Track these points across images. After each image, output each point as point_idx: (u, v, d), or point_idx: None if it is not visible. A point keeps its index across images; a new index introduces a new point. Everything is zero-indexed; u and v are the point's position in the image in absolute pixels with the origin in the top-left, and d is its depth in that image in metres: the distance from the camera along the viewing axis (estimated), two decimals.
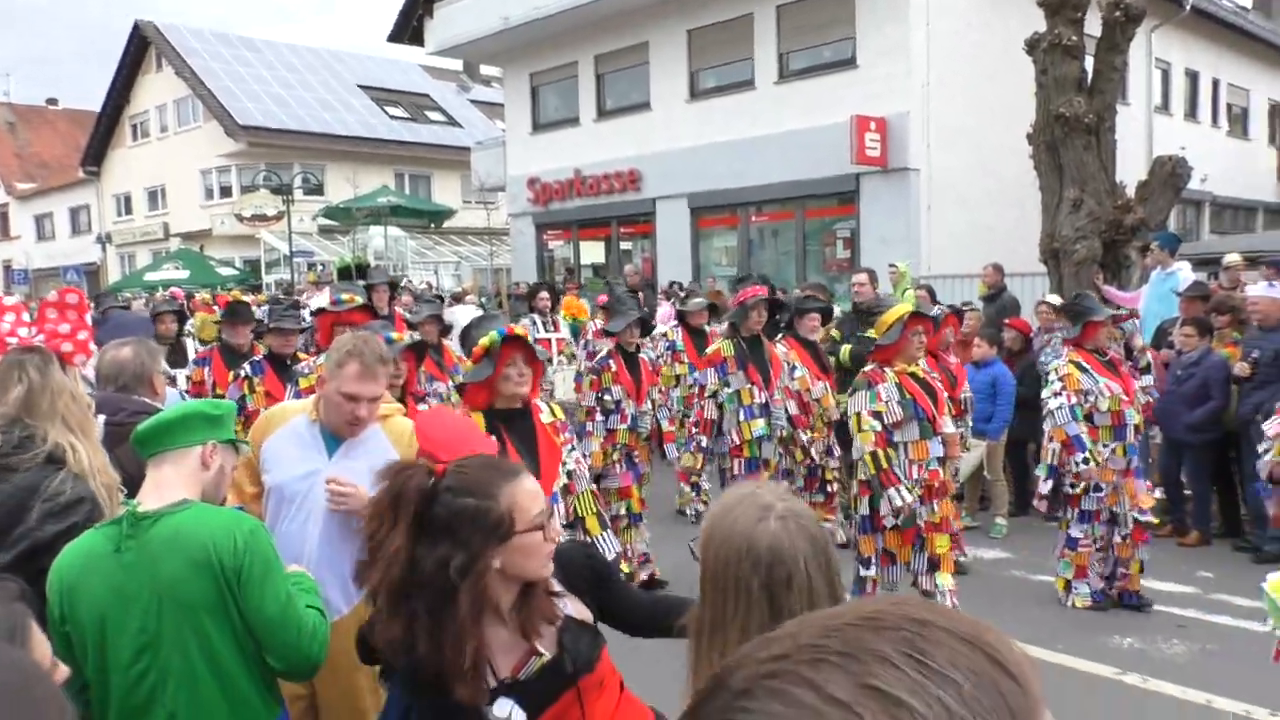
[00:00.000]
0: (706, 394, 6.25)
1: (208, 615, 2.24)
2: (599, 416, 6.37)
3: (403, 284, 8.20)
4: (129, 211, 35.00)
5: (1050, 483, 6.04)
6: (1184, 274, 9.69)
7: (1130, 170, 9.82)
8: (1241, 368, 7.29)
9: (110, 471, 2.68)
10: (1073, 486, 5.93)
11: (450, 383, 6.76)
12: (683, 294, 10.35)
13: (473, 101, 35.63)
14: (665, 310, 10.58)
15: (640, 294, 10.95)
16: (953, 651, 0.49)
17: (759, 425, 6.10)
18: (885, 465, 5.00)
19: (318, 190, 28.39)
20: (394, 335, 4.34)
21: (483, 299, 17.47)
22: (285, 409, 3.24)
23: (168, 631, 2.23)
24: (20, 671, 0.88)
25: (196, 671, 2.25)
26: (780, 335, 7.06)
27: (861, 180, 15.07)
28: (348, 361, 3.00)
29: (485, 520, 1.91)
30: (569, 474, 3.96)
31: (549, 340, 9.71)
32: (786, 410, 6.36)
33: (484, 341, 3.74)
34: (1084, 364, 6.05)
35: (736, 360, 6.19)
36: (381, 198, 22.06)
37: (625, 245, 19.78)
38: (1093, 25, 10.05)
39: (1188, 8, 18.43)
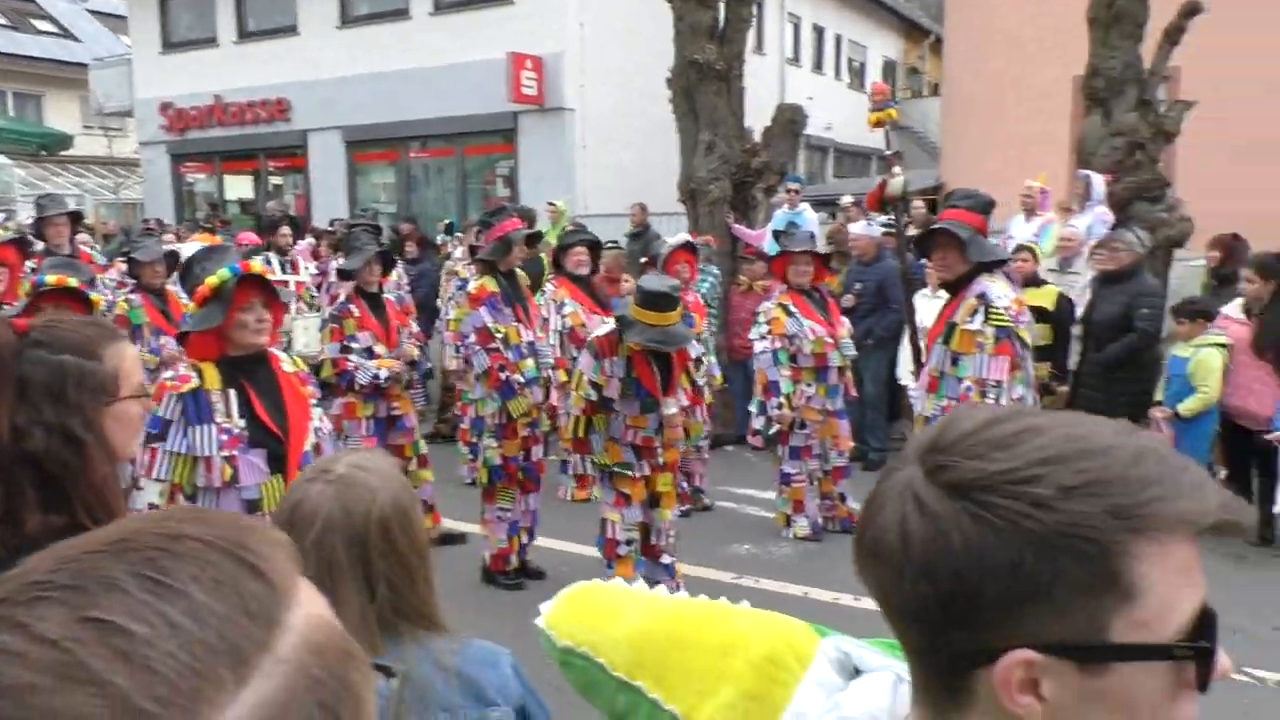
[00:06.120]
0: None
1: None
2: (349, 366, 5.84)
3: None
4: None
5: (762, 418, 6.30)
6: (808, 214, 10.73)
7: (765, 117, 10.62)
8: (848, 299, 8.20)
9: None
10: (767, 426, 6.22)
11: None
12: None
13: (90, 12, 31.45)
14: (304, 246, 10.03)
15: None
16: (198, 563, 0.49)
17: (529, 366, 5.62)
18: (581, 435, 4.95)
19: None
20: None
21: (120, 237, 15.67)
22: None
23: None
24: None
25: None
26: (550, 274, 6.81)
27: (520, 118, 15.12)
28: None
29: (92, 379, 1.69)
30: (315, 431, 3.46)
31: (286, 283, 8.73)
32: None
33: (212, 280, 3.15)
34: (792, 307, 6.23)
35: (503, 297, 5.63)
36: None
37: (276, 180, 18.55)
38: None
39: None
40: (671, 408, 4.86)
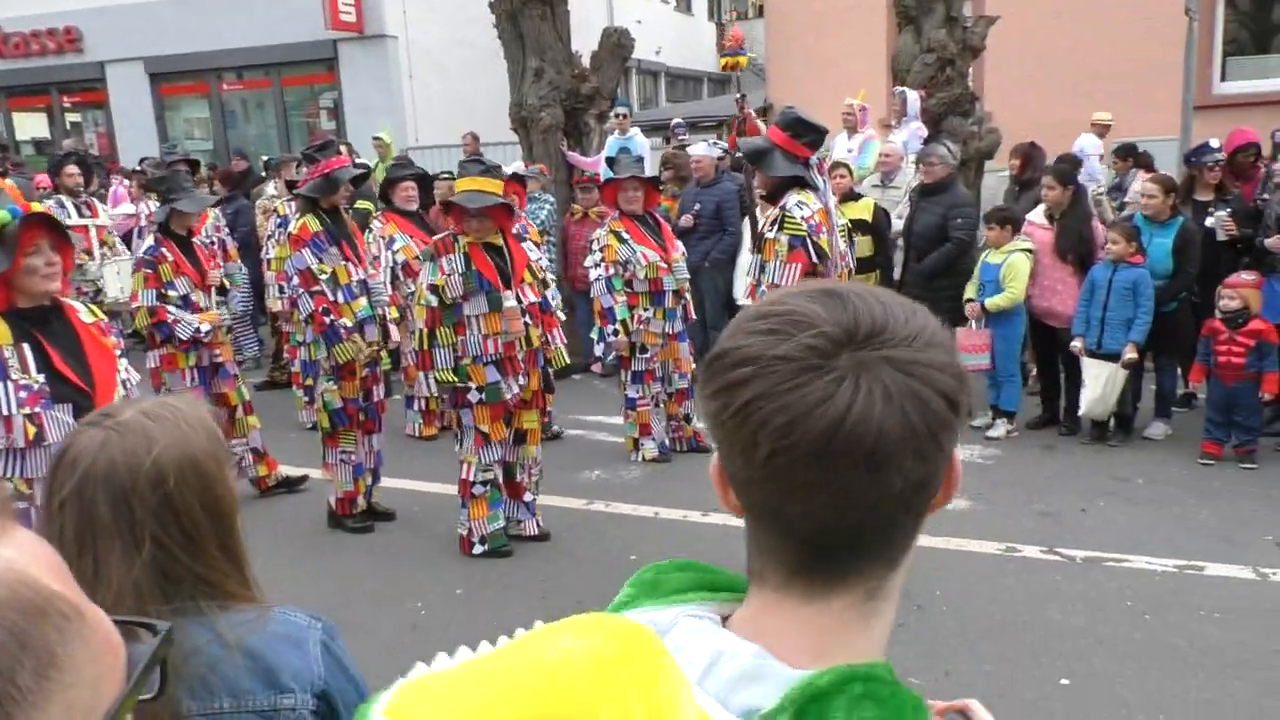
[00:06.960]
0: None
1: None
2: (168, 317, 5.54)
3: None
4: None
5: (603, 345, 6.35)
6: (639, 139, 10.71)
7: (595, 43, 10.45)
8: (687, 219, 8.27)
9: None
10: (608, 352, 6.31)
11: None
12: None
13: None
14: (120, 190, 9.37)
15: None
16: None
17: (362, 305, 5.39)
18: (425, 347, 4.85)
19: None
20: None
21: None
22: None
23: None
24: None
25: None
26: (379, 210, 7.08)
27: (340, 47, 14.42)
28: None
29: None
30: (124, 384, 3.25)
31: (85, 228, 8.10)
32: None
33: None
34: (624, 233, 6.25)
35: (328, 236, 5.33)
36: None
37: (73, 117, 17.12)
38: None
39: None
40: (510, 300, 4.84)
